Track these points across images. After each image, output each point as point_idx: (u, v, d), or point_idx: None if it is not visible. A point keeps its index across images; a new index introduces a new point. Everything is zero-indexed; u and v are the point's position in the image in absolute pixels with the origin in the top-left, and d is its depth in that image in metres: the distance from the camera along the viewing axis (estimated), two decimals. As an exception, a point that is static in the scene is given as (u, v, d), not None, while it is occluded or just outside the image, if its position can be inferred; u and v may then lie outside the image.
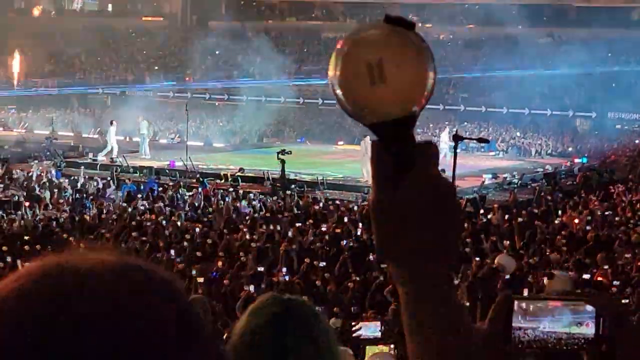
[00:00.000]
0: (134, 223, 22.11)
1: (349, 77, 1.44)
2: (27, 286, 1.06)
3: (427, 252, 1.45)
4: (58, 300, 1.04)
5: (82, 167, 33.31)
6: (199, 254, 18.94)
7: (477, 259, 17.75)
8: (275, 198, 27.81)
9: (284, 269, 17.37)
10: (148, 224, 22.18)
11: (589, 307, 1.97)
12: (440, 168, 1.49)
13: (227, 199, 27.12)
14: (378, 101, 1.43)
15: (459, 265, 16.26)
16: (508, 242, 19.69)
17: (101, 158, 36.61)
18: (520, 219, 22.78)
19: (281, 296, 2.60)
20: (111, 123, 38.20)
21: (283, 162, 29.54)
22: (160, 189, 28.91)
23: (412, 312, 1.47)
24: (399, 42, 1.44)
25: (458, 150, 38.14)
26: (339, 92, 1.46)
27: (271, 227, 21.87)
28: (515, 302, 1.98)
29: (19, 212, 24.07)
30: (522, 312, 1.97)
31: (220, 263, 17.97)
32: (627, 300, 14.19)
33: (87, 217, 23.58)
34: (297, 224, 22.09)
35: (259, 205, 26.38)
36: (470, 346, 1.50)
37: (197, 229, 21.46)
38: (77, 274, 1.07)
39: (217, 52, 62.74)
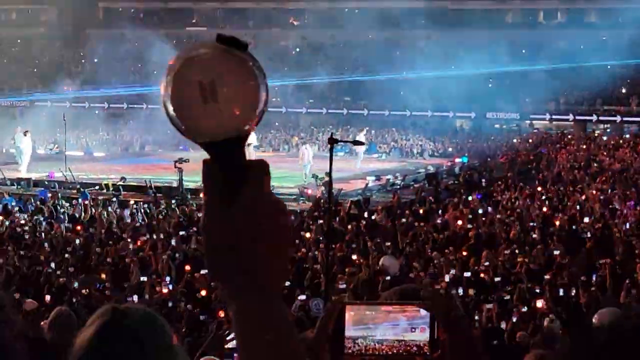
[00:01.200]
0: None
1: (181, 96, 1.43)
2: None
3: (256, 272, 1.46)
4: None
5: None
6: (80, 266, 18.56)
7: (362, 260, 17.86)
8: (161, 207, 27.43)
9: (168, 278, 17.15)
10: (27, 237, 21.68)
11: (424, 312, 1.94)
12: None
13: (109, 209, 26.69)
14: (209, 121, 1.42)
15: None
16: (391, 243, 19.82)
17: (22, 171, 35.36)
18: (403, 220, 23.01)
19: (114, 306, 2.61)
20: (24, 134, 37.00)
21: (181, 170, 29.27)
22: (38, 202, 28.26)
23: (239, 330, 1.47)
24: (231, 63, 1.44)
25: (341, 154, 38.71)
26: (170, 110, 1.44)
27: (154, 236, 21.60)
28: (351, 310, 1.94)
29: None
30: (356, 320, 1.94)
31: (103, 275, 17.65)
32: (508, 297, 14.44)
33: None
34: (181, 232, 21.86)
35: (141, 214, 26.03)
36: None
37: (78, 241, 21.02)
38: None
39: (95, 60, 61.87)
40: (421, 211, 24.98)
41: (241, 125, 1.44)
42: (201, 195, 1.53)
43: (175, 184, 30.49)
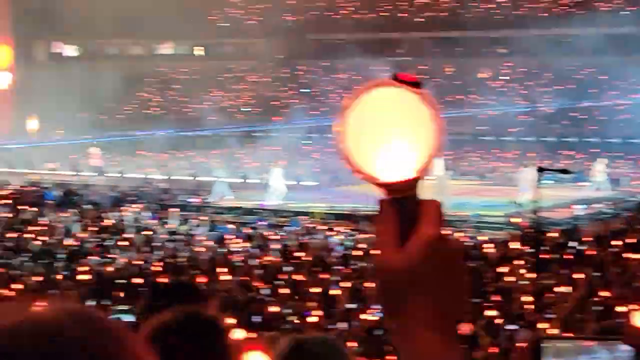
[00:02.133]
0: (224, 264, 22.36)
1: (355, 136, 1.45)
2: None
3: (432, 316, 1.45)
4: None
5: (176, 209, 33.75)
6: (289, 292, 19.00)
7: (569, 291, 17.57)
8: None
9: (378, 307, 17.27)
10: (239, 264, 22.40)
11: (626, 346, 1.88)
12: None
13: (318, 237, 27.18)
14: (384, 161, 1.44)
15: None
16: (600, 273, 19.37)
17: (269, 202, 35.73)
18: (613, 250, 22.41)
19: (296, 336, 2.75)
20: (275, 165, 37.69)
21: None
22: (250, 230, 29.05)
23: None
24: (406, 102, 1.44)
25: (551, 182, 37.95)
26: (345, 150, 1.46)
27: (364, 264, 21.87)
28: (547, 343, 1.88)
29: (113, 256, 24.53)
30: (554, 353, 1.88)
31: (312, 302, 17.98)
32: None
33: (182, 259, 23.85)
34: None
35: (350, 242, 26.36)
36: None
37: (289, 268, 21.55)
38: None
39: (306, 90, 63.31)
40: (632, 241, 24.22)
41: (416, 166, 1.44)
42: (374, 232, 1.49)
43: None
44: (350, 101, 1.46)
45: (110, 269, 22.64)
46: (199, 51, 76.23)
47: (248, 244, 26.02)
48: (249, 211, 34.13)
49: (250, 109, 63.60)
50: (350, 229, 29.19)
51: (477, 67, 63.14)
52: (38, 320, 1.11)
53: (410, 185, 1.45)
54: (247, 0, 73.49)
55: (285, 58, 70.87)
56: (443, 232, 1.46)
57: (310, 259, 23.05)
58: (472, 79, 61.10)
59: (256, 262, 22.83)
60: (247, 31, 72.50)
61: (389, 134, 1.44)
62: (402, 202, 1.46)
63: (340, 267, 21.52)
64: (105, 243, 26.60)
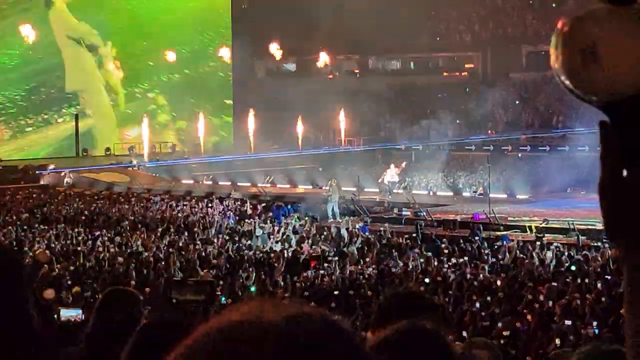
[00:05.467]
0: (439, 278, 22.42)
1: (572, 61, 1.41)
2: (196, 345, 1.17)
3: None
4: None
5: (387, 223, 33.96)
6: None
7: None
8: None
9: (595, 323, 16.88)
10: (452, 277, 22.38)
11: None
12: None
13: (534, 251, 26.67)
14: (604, 81, 1.38)
15: None
16: None
17: None
18: None
19: (600, 346, 2.73)
20: None
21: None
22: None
23: (630, 287, 1.44)
24: (615, 19, 1.38)
25: None
26: (563, 77, 1.43)
27: (578, 280, 21.42)
28: None
29: (328, 268, 24.91)
30: None
31: (530, 317, 17.82)
32: None
33: (394, 271, 23.97)
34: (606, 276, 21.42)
35: (565, 257, 25.80)
36: None
37: (499, 282, 21.35)
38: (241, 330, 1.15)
39: (517, 102, 62.60)
40: None
41: (632, 84, 1.37)
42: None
43: (599, 227, 29.95)
44: (564, 23, 1.42)
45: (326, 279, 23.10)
46: (411, 65, 76.41)
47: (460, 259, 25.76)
48: (462, 223, 33.85)
49: (461, 120, 62.91)
50: (565, 243, 28.57)
51: None
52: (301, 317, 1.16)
53: (631, 104, 1.39)
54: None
55: (496, 71, 70.23)
56: None
57: (524, 272, 22.75)
58: None
59: (468, 276, 22.66)
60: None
61: (605, 53, 1.38)
62: (623, 122, 1.40)
63: (554, 284, 21.04)
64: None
